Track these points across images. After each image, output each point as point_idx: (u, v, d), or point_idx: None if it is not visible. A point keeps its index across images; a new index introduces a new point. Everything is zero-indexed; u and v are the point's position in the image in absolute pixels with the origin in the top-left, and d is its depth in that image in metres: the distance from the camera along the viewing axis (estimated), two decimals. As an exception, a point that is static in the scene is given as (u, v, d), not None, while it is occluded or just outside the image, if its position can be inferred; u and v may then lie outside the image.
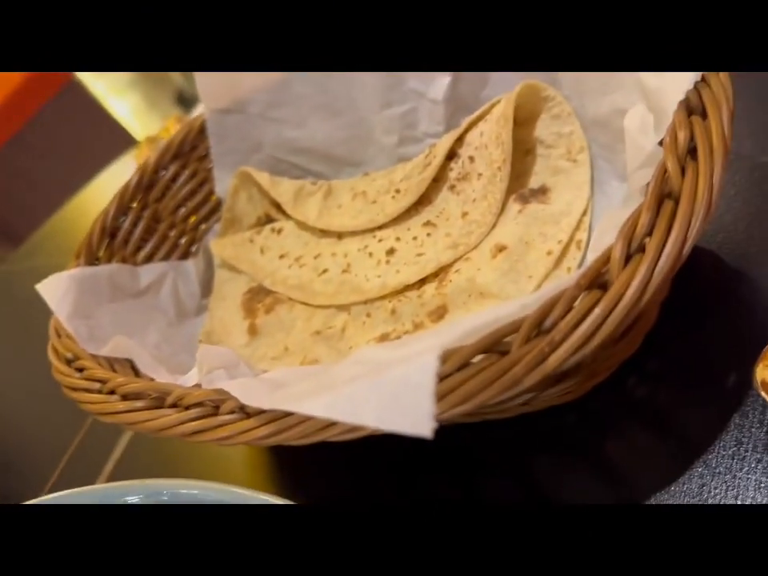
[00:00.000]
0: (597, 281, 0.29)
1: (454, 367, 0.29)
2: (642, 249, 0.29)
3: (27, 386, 0.70)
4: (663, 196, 0.30)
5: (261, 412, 0.33)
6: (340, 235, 0.49)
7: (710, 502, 0.33)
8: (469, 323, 0.29)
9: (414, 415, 0.24)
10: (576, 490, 0.39)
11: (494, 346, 0.29)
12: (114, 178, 0.92)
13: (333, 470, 0.43)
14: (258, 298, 0.50)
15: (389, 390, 0.25)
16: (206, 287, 0.56)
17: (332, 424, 0.31)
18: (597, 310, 0.27)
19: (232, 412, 0.34)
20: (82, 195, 0.98)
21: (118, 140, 1.38)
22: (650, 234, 0.29)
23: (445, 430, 0.41)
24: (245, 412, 0.34)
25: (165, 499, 0.34)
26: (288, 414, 0.32)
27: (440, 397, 0.28)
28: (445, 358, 0.29)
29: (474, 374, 0.28)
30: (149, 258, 0.55)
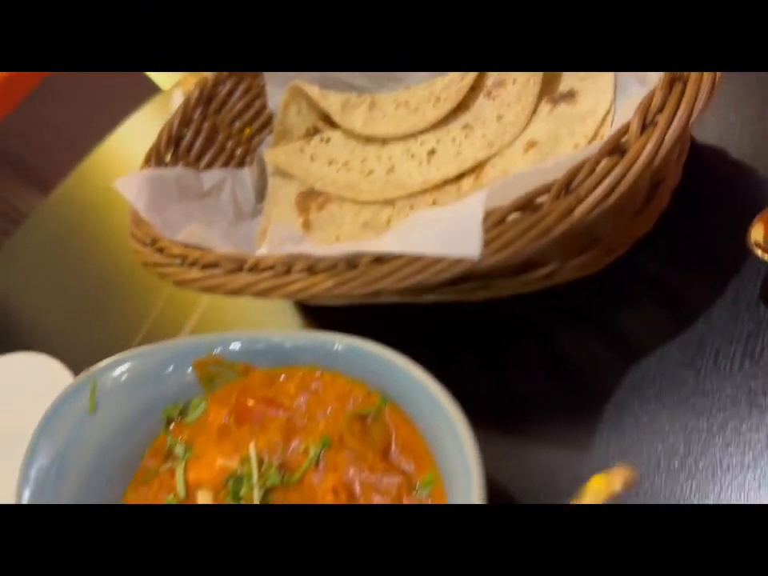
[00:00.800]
0: (616, 148, 0.34)
1: (494, 222, 0.35)
2: (655, 123, 0.34)
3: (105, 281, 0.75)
4: (674, 80, 0.35)
5: (327, 269, 0.39)
6: (384, 141, 0.55)
7: (707, 350, 0.39)
8: (507, 187, 0.35)
9: (465, 240, 0.30)
10: (591, 357, 0.45)
11: (528, 204, 0.35)
12: (138, 126, 0.96)
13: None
14: (310, 198, 0.56)
15: (443, 224, 0.31)
16: (260, 193, 0.62)
17: (389, 274, 0.37)
18: (616, 170, 0.33)
19: (302, 271, 0.40)
20: (108, 142, 1.01)
21: (142, 88, 1.42)
22: (661, 110, 0.34)
23: (478, 306, 0.47)
24: (313, 271, 0.40)
25: (260, 347, 0.40)
26: (351, 268, 0.38)
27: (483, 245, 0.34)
28: (485, 215, 0.34)
29: (512, 226, 0.34)
30: (209, 166, 0.60)
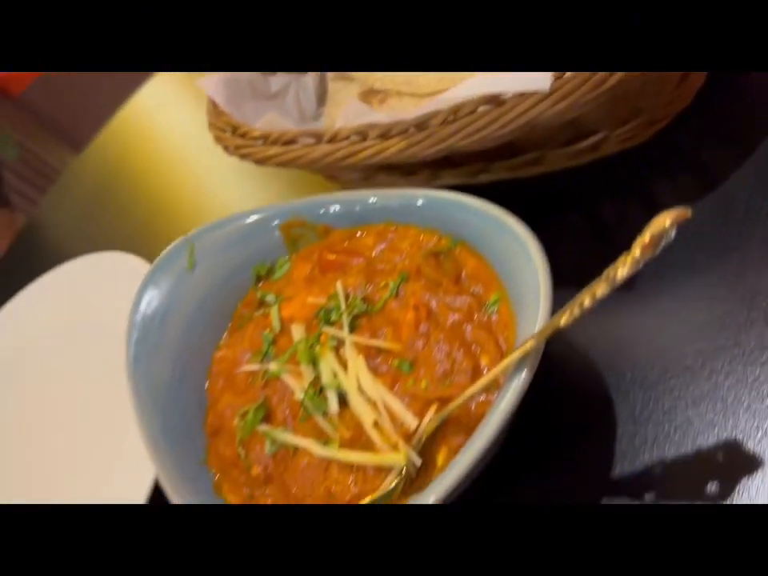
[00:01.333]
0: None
1: (555, 76, 0.39)
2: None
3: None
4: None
5: (399, 133, 0.44)
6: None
7: (730, 227, 0.43)
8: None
9: (536, 78, 0.34)
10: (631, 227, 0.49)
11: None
12: (166, 82, 0.98)
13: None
14: (371, 96, 0.60)
15: (513, 74, 0.36)
16: (321, 99, 0.67)
17: (458, 131, 0.42)
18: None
19: (376, 138, 0.45)
20: (138, 96, 1.05)
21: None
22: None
23: (530, 182, 0.52)
24: (386, 136, 0.45)
25: (338, 209, 0.46)
26: (421, 130, 0.43)
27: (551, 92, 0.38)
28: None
29: (570, 79, 0.38)
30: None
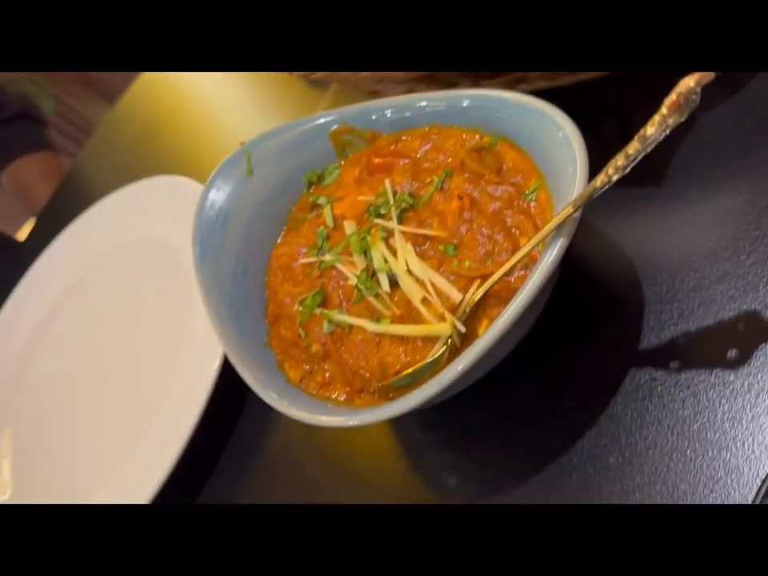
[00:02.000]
0: None
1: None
2: None
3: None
4: None
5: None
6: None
7: (753, 122, 0.45)
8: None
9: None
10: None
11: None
12: None
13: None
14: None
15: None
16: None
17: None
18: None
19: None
20: None
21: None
22: None
23: (566, 91, 0.54)
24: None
25: (404, 115, 0.49)
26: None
27: None
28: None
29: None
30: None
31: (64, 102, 1.98)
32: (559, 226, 0.36)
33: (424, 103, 0.48)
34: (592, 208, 0.40)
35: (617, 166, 0.34)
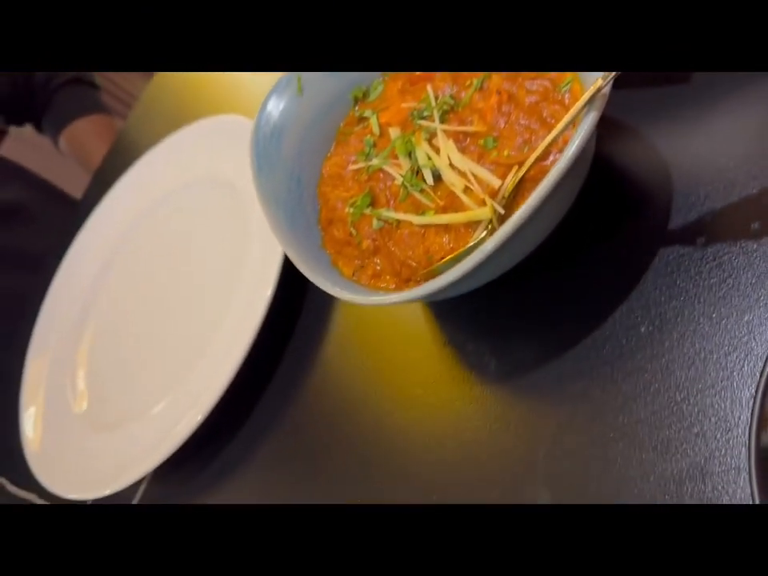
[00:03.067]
0: None
1: None
2: None
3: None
4: None
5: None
6: None
7: None
8: None
9: None
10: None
11: None
12: None
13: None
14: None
15: None
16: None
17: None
18: None
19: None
20: None
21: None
22: None
23: None
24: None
25: None
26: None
27: None
28: None
29: None
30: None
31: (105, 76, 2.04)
32: (588, 104, 0.39)
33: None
34: (616, 105, 0.43)
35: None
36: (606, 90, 0.39)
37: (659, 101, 0.49)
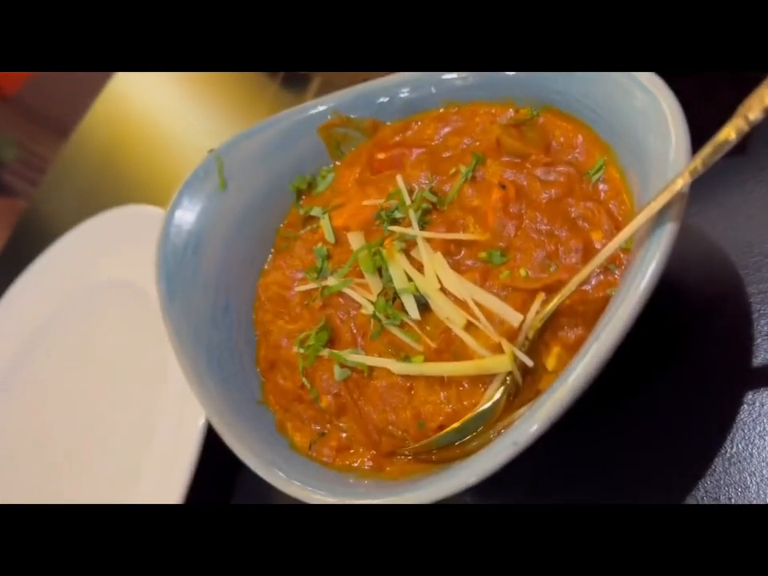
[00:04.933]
0: None
1: None
2: None
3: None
4: None
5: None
6: None
7: None
8: None
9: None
10: None
11: None
12: None
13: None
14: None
15: None
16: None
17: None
18: None
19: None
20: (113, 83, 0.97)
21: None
22: None
23: None
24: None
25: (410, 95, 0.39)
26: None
27: None
28: None
29: None
30: None
31: (27, 148, 1.87)
32: (661, 209, 0.26)
33: (449, 76, 0.38)
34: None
35: (748, 117, 0.24)
36: (687, 188, 0.25)
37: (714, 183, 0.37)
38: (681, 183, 0.25)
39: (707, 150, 0.25)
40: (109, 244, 0.66)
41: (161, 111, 0.85)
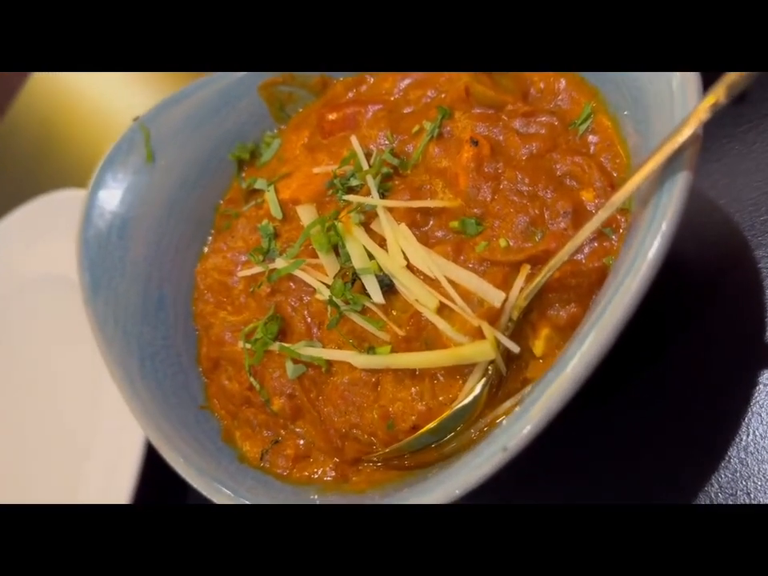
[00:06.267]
0: None
1: None
2: None
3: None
4: None
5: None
6: None
7: None
8: None
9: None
10: None
11: None
12: None
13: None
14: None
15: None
16: None
17: None
18: None
19: None
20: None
21: None
22: None
23: None
24: None
25: None
26: None
27: None
28: None
29: None
30: None
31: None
32: (670, 158, 0.21)
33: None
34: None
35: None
36: (700, 129, 0.21)
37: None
38: (695, 122, 0.20)
39: (731, 76, 0.20)
40: (38, 235, 0.60)
41: (92, 87, 0.78)
